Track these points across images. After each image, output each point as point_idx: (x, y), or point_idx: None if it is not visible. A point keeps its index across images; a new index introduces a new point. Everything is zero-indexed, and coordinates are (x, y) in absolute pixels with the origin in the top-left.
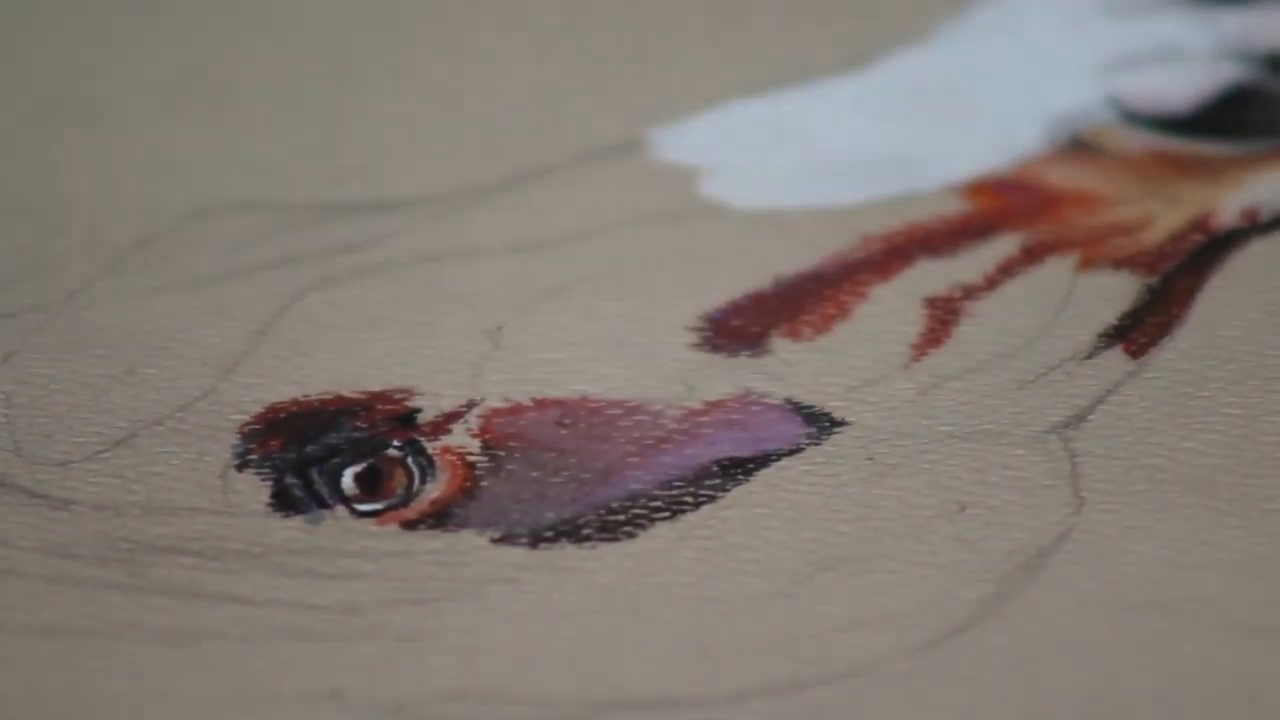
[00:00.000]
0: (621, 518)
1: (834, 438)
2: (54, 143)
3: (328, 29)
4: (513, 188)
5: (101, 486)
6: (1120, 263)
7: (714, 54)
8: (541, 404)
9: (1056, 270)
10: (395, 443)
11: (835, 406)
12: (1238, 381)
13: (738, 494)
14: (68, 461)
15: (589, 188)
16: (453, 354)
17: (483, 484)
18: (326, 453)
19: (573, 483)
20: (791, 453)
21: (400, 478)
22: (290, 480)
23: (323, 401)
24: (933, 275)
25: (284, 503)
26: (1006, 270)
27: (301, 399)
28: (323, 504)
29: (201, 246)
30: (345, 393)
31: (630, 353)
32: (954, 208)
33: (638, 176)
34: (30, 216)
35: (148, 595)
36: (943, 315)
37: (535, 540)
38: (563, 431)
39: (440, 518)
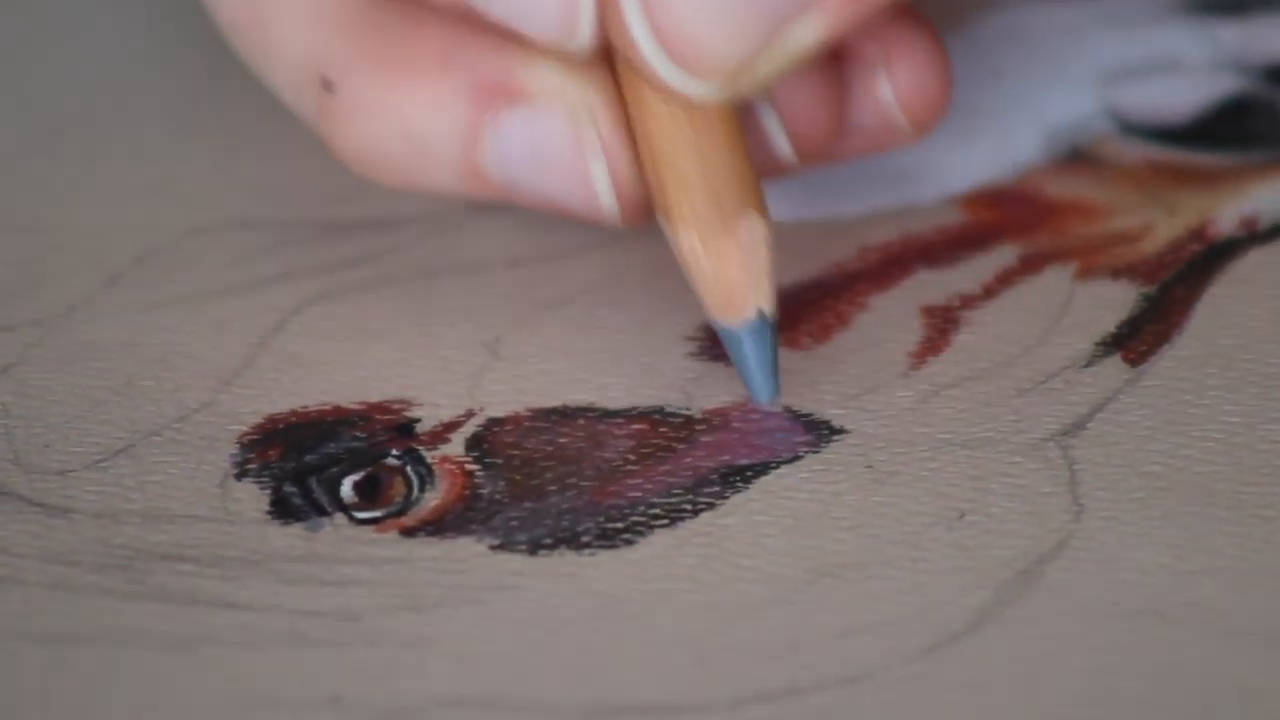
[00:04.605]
0: (620, 525)
1: (833, 446)
2: (54, 159)
3: None
4: (511, 206)
5: (100, 495)
6: (1119, 271)
7: None
8: (540, 413)
9: (1055, 279)
10: (394, 452)
11: (834, 415)
12: (1236, 389)
13: (737, 502)
14: (66, 470)
15: None
16: (451, 365)
17: (481, 492)
18: (325, 462)
19: (571, 490)
20: (790, 461)
21: (399, 486)
22: (289, 489)
23: (321, 412)
24: (931, 285)
25: (283, 510)
26: (1005, 280)
27: (300, 410)
28: (321, 512)
29: (200, 262)
30: (344, 404)
31: (629, 362)
32: (953, 219)
33: None
34: (30, 232)
35: (147, 602)
36: (941, 324)
37: (534, 547)
38: (562, 440)
39: (439, 525)
